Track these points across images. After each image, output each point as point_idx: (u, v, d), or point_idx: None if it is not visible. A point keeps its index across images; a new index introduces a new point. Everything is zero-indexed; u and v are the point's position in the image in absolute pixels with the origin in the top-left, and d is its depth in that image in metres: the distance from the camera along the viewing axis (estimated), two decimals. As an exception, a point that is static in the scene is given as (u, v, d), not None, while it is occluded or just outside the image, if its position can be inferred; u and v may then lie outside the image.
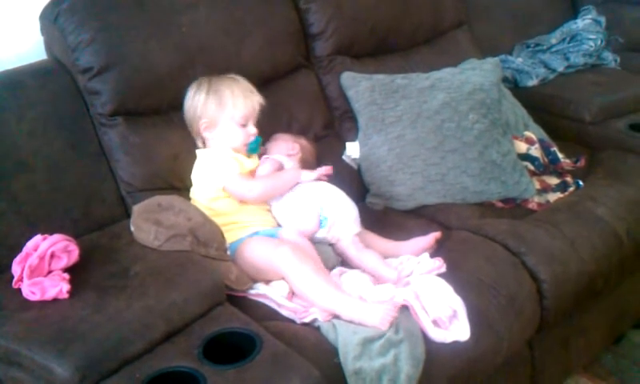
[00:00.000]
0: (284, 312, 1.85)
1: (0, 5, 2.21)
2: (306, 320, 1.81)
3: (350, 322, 1.76)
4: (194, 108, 2.15)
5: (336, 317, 1.79)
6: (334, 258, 2.06)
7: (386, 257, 2.07)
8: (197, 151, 2.17)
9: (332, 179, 2.23)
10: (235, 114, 2.13)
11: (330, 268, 2.00)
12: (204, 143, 2.18)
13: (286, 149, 2.27)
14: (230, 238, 2.00)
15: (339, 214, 2.10)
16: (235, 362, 1.52)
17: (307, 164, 2.29)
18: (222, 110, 2.13)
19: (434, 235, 2.11)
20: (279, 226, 2.13)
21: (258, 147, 2.22)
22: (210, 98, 2.13)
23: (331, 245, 2.11)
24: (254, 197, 2.10)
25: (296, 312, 1.83)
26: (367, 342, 1.70)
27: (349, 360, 1.67)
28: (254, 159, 2.20)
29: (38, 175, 1.99)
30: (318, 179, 2.17)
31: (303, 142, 2.34)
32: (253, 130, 2.17)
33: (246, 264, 1.96)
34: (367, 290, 1.87)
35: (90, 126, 2.13)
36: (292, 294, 1.91)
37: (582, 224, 2.24)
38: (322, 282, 1.84)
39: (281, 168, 2.20)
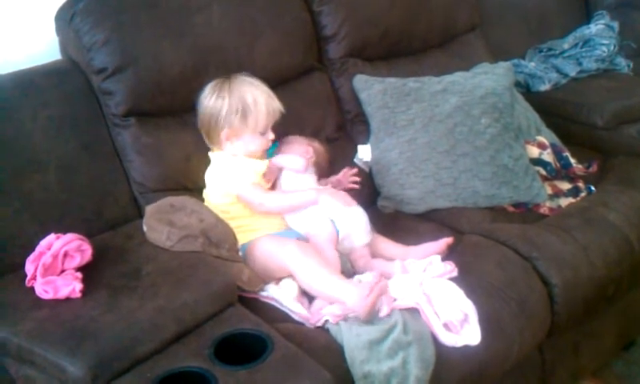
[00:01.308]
0: (295, 317, 1.85)
1: (16, 5, 2.22)
2: (318, 325, 1.81)
3: (353, 312, 1.77)
4: (216, 117, 2.10)
5: (345, 316, 1.79)
6: (348, 264, 2.07)
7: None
8: (210, 154, 2.16)
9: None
10: (258, 126, 2.11)
11: (346, 273, 2.00)
12: (220, 146, 2.15)
13: (299, 152, 2.26)
14: (241, 239, 2.00)
15: (351, 228, 2.08)
16: (246, 364, 1.52)
17: (320, 168, 2.29)
18: (246, 123, 2.10)
19: (446, 241, 2.10)
20: (290, 229, 2.12)
21: (274, 150, 2.24)
22: (233, 109, 2.08)
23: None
24: (264, 211, 2.08)
25: (306, 319, 1.84)
26: (373, 344, 1.70)
27: (356, 364, 1.67)
28: (265, 161, 2.18)
29: (52, 175, 2.00)
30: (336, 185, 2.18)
31: (316, 145, 2.33)
32: (271, 135, 2.17)
33: (256, 263, 1.97)
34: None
35: (103, 126, 2.14)
36: (301, 294, 1.92)
37: (593, 229, 2.23)
38: (326, 273, 1.85)
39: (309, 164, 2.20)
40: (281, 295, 1.91)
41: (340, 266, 1.98)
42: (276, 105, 2.15)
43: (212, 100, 2.11)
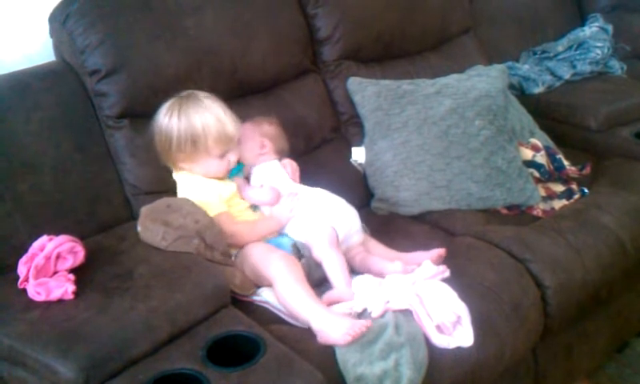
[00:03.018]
0: (288, 319, 1.85)
1: (9, 7, 2.22)
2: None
3: (319, 331, 1.75)
4: (169, 142, 2.03)
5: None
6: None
7: None
8: (174, 175, 2.11)
9: (336, 184, 2.23)
10: (210, 152, 2.04)
11: None
12: (176, 168, 2.10)
13: (255, 148, 2.19)
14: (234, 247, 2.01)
15: (346, 228, 2.07)
16: (239, 365, 1.52)
17: (282, 152, 2.25)
18: (197, 149, 2.02)
19: (438, 252, 2.04)
20: (284, 234, 2.11)
21: (239, 173, 2.16)
22: (182, 136, 2.01)
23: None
24: (233, 243, 2.01)
25: (298, 321, 1.83)
26: (365, 346, 1.69)
27: (349, 367, 1.67)
28: (231, 184, 2.12)
29: (45, 176, 2.00)
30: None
31: (268, 129, 2.23)
32: (233, 158, 2.09)
33: (247, 268, 1.97)
34: (373, 293, 1.87)
35: (97, 127, 2.14)
36: None
37: (587, 232, 2.23)
38: (302, 291, 1.82)
39: (279, 195, 2.12)
40: (275, 299, 1.90)
41: (347, 269, 1.95)
42: (228, 129, 2.04)
43: (164, 125, 2.04)
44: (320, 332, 1.74)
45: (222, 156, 2.06)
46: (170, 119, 2.03)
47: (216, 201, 2.04)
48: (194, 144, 2.02)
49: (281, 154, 2.25)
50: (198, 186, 2.06)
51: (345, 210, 2.12)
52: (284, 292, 1.84)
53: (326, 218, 2.05)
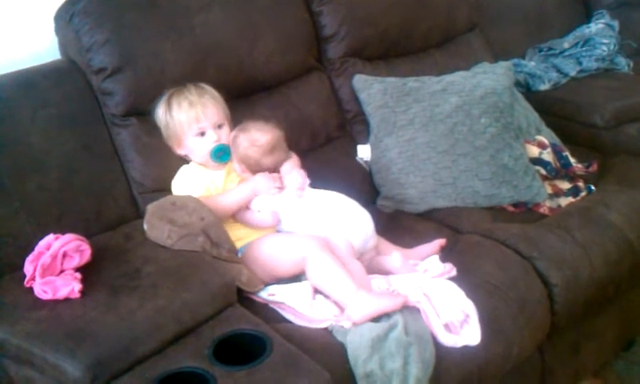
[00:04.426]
0: (300, 322, 1.83)
1: (15, 5, 2.22)
2: (322, 326, 1.81)
3: (361, 319, 1.76)
4: (160, 126, 2.14)
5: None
6: None
7: None
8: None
9: (342, 182, 2.22)
10: (185, 128, 2.09)
11: None
12: (176, 153, 2.16)
13: (237, 167, 2.15)
14: (238, 245, 2.01)
15: (361, 238, 2.05)
16: (245, 364, 1.52)
17: (259, 163, 2.11)
18: (175, 126, 2.10)
19: (439, 242, 2.09)
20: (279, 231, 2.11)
21: (226, 155, 2.12)
22: (165, 117, 2.11)
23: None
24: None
25: (312, 322, 1.82)
26: (376, 342, 1.69)
27: (359, 363, 1.67)
28: (229, 173, 2.13)
29: (51, 175, 2.00)
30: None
31: (240, 150, 2.12)
32: (212, 137, 2.10)
33: (257, 263, 1.96)
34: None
35: (103, 126, 2.14)
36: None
37: (593, 229, 2.23)
38: (341, 273, 1.84)
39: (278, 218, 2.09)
40: (289, 299, 1.89)
41: (365, 274, 1.95)
42: (197, 107, 2.08)
43: (157, 111, 2.14)
44: (363, 307, 1.77)
45: (202, 134, 2.11)
46: (161, 103, 2.13)
47: (200, 183, 2.07)
48: (172, 121, 2.10)
49: (271, 168, 2.12)
50: (193, 171, 2.12)
51: (359, 217, 2.09)
52: (320, 275, 1.86)
53: (341, 229, 2.03)
